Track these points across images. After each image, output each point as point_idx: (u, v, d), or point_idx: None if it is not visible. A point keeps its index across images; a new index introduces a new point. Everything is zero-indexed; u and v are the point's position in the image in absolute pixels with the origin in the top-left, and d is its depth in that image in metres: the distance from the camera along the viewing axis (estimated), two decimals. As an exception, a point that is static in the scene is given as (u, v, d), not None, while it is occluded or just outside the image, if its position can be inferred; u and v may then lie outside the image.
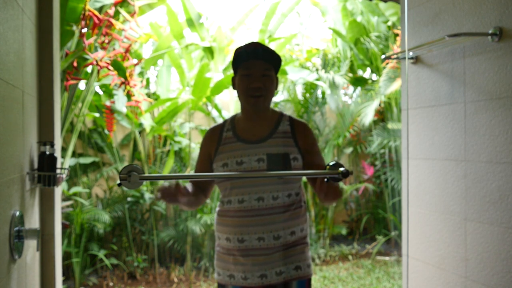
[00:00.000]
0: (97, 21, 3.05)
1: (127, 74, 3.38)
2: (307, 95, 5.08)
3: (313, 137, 1.70)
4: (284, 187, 1.61)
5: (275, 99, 5.17)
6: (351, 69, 5.25)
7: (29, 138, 1.74)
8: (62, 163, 2.87)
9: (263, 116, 1.68)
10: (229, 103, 4.83)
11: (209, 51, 4.36)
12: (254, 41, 1.67)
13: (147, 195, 4.17)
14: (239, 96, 1.66)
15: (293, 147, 1.63)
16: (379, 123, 5.12)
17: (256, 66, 1.60)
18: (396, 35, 4.83)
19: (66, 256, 3.94)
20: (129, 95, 3.58)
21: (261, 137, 1.64)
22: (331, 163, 1.36)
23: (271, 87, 1.63)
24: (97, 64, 3.11)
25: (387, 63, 4.67)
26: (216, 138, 1.70)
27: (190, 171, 4.37)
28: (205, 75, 4.07)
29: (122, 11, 3.31)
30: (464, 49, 1.80)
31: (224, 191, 1.66)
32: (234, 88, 1.68)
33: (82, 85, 3.65)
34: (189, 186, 1.71)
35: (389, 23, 5.08)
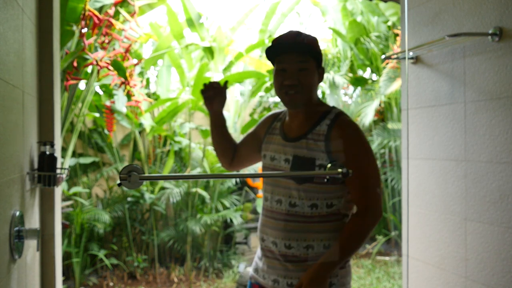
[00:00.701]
0: (97, 21, 3.05)
1: (127, 74, 3.38)
2: (307, 95, 5.08)
3: (355, 145, 1.42)
4: (306, 195, 1.43)
5: (276, 99, 5.17)
6: (351, 69, 5.25)
7: (29, 138, 1.74)
8: (62, 163, 2.87)
9: (305, 112, 1.49)
10: (229, 103, 4.83)
11: (209, 51, 4.36)
12: (293, 29, 1.46)
13: (147, 195, 4.17)
14: (275, 93, 1.49)
15: (321, 153, 1.41)
16: (379, 123, 5.13)
17: (291, 60, 1.42)
18: (396, 35, 4.83)
19: (66, 256, 3.94)
20: (129, 95, 3.58)
21: (296, 136, 1.48)
22: (331, 163, 1.36)
23: (310, 82, 1.44)
24: (97, 64, 3.11)
25: (387, 63, 4.67)
26: (268, 125, 1.62)
27: (190, 171, 4.37)
28: (204, 75, 4.08)
29: (122, 11, 3.31)
30: (464, 49, 1.80)
31: (263, 185, 1.59)
32: (274, 83, 1.51)
33: (82, 85, 3.65)
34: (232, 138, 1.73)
35: (389, 23, 5.08)
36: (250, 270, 1.65)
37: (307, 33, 1.47)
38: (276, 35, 4.93)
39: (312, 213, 1.44)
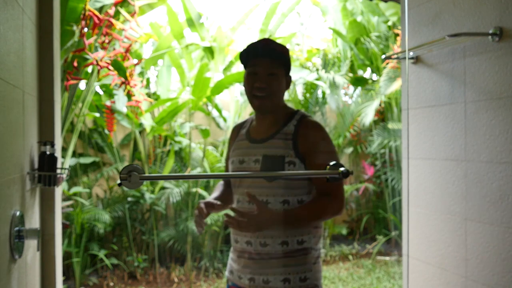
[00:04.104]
0: (97, 21, 3.05)
1: (127, 74, 3.38)
2: (308, 95, 5.08)
3: (320, 137, 1.53)
4: (277, 192, 1.51)
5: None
6: (352, 69, 5.25)
7: (29, 138, 1.74)
8: (62, 163, 2.87)
9: (272, 115, 1.59)
10: (229, 103, 4.83)
11: (209, 51, 4.36)
12: (266, 37, 1.60)
13: (147, 195, 4.17)
14: (246, 95, 1.59)
15: (290, 150, 1.51)
16: (380, 123, 5.12)
17: (262, 64, 1.53)
18: (397, 35, 4.83)
19: (67, 256, 3.94)
20: (129, 95, 3.58)
21: (264, 137, 1.57)
22: (331, 163, 1.36)
23: (278, 87, 1.54)
24: (97, 64, 3.11)
25: (387, 63, 4.67)
26: (235, 135, 1.70)
27: (190, 171, 4.37)
28: (205, 75, 4.08)
29: (122, 11, 3.31)
30: (465, 49, 1.80)
31: (232, 188, 1.66)
32: (243, 85, 1.61)
33: (82, 85, 3.65)
34: (220, 185, 1.76)
35: (390, 23, 5.08)
36: (226, 273, 1.70)
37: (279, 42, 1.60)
38: (276, 35, 4.96)
39: (284, 209, 1.51)
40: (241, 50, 1.58)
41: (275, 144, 1.53)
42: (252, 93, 1.54)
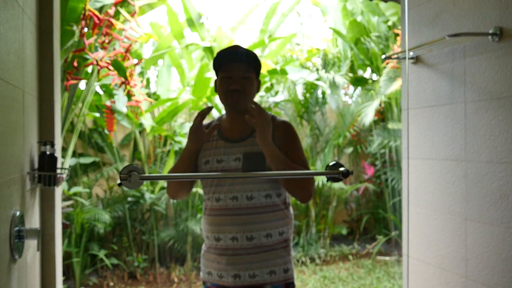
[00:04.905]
0: (97, 21, 3.05)
1: (127, 74, 3.38)
2: (308, 95, 5.08)
3: (292, 136, 1.67)
4: (261, 187, 1.60)
5: (276, 99, 5.18)
6: (352, 69, 5.25)
7: (29, 138, 1.74)
8: (62, 163, 2.87)
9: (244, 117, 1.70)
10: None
11: (210, 51, 4.36)
12: (236, 44, 1.69)
13: (147, 195, 4.17)
14: (220, 98, 1.67)
15: None
16: (380, 123, 5.12)
17: (236, 68, 1.62)
18: (397, 35, 4.82)
19: (67, 256, 3.94)
20: (129, 95, 3.58)
21: (240, 137, 1.66)
22: (331, 163, 1.36)
23: (251, 89, 1.64)
24: (97, 64, 3.11)
25: (387, 63, 4.67)
26: None
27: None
28: (205, 75, 4.08)
29: (122, 11, 3.31)
30: (465, 49, 1.80)
31: (204, 188, 1.70)
32: (215, 91, 1.69)
33: (82, 85, 3.65)
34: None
35: (390, 23, 5.08)
36: (201, 277, 1.72)
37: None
38: (276, 35, 4.96)
39: (267, 203, 1.61)
40: (216, 55, 1.66)
41: (255, 141, 1.61)
42: (227, 95, 1.62)
